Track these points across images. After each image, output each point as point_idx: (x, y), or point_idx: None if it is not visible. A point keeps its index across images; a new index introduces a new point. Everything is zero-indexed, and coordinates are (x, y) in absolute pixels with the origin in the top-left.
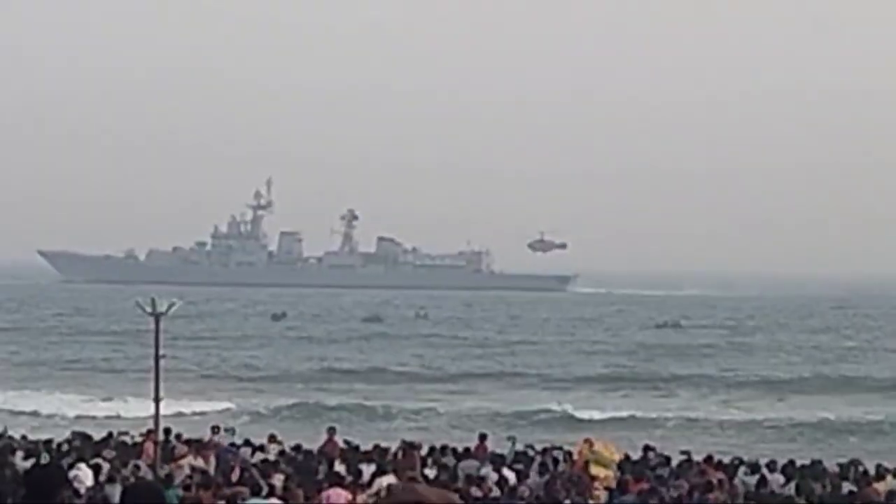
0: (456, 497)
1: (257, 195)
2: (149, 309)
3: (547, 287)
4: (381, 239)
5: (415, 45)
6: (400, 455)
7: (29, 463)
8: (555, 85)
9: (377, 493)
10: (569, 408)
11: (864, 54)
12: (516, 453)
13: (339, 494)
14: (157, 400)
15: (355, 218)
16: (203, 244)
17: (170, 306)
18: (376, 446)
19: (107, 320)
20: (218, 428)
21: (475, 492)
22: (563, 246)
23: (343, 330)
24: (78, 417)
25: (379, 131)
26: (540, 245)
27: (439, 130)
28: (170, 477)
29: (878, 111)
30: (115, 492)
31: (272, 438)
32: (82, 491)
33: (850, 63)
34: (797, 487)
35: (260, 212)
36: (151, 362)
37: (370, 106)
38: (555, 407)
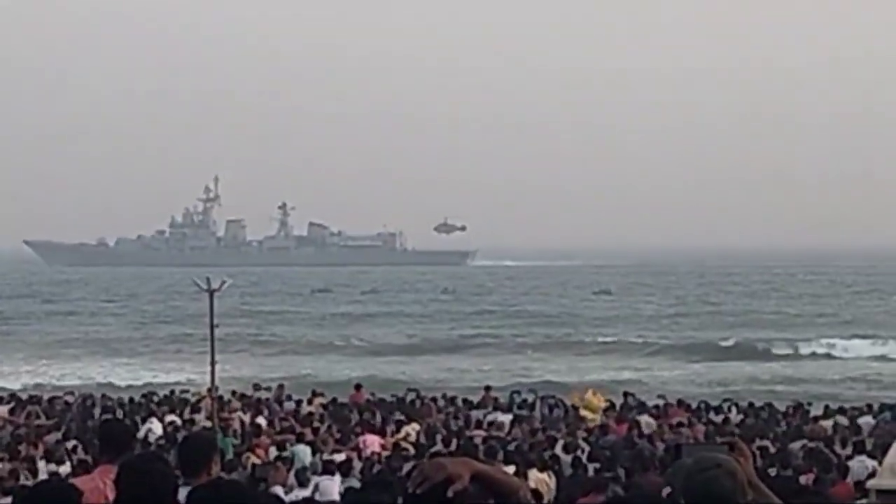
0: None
1: (207, 190)
2: (204, 287)
3: (450, 262)
4: (311, 224)
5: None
6: (419, 404)
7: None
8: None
9: (405, 438)
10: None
11: None
12: (521, 402)
13: (373, 440)
14: (212, 363)
15: (290, 207)
16: (162, 232)
17: (222, 284)
18: (400, 398)
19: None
20: (259, 385)
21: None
22: (463, 228)
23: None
24: (143, 384)
25: (309, 133)
26: (444, 228)
27: (359, 133)
28: (225, 427)
29: None
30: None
31: (314, 393)
32: (152, 440)
33: None
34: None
35: (209, 204)
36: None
37: (302, 113)
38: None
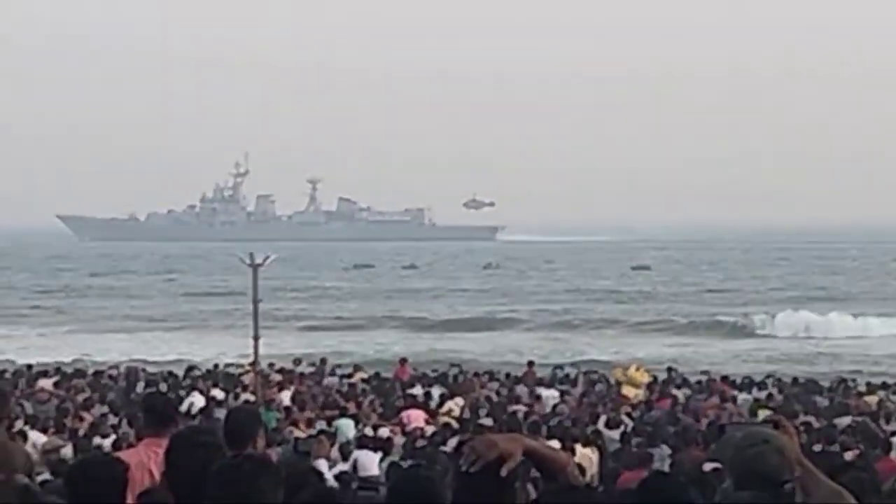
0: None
1: (237, 165)
2: (248, 261)
3: (479, 237)
4: (340, 199)
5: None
6: (461, 380)
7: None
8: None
9: (448, 413)
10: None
11: None
12: (563, 378)
13: (416, 415)
14: (255, 338)
15: (319, 182)
16: (193, 207)
17: (265, 259)
18: (442, 373)
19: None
20: (299, 360)
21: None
22: (491, 204)
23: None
24: (186, 358)
25: (339, 109)
26: (473, 204)
27: (389, 110)
28: (269, 401)
29: None
30: (222, 414)
31: (357, 368)
32: (194, 412)
33: None
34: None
35: (239, 179)
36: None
37: (333, 88)
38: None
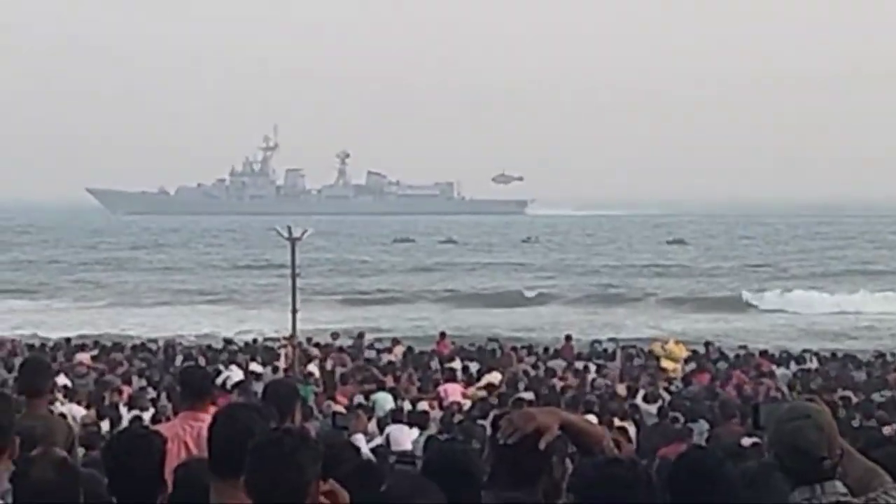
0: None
1: (266, 139)
2: (286, 235)
3: (508, 210)
4: (370, 173)
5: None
6: (499, 354)
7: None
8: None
9: (486, 387)
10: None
11: None
12: (601, 352)
13: (454, 389)
14: (293, 311)
15: (348, 156)
16: (222, 181)
17: (303, 233)
18: (479, 347)
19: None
20: (337, 334)
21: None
22: (520, 179)
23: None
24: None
25: (367, 83)
26: (502, 178)
27: (418, 84)
28: (307, 375)
29: None
30: (259, 388)
31: (395, 342)
32: (229, 386)
33: None
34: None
35: (268, 153)
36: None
37: (359, 64)
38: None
